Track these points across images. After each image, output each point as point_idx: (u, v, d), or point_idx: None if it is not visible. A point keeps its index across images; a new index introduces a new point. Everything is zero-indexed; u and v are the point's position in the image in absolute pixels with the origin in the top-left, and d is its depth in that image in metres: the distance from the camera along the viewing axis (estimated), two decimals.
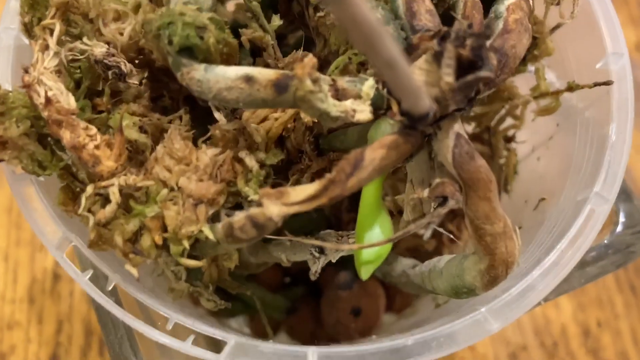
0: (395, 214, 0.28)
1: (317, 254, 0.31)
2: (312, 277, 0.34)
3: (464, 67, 0.21)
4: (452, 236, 0.36)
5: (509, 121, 0.38)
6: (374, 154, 0.22)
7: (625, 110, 0.29)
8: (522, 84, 0.36)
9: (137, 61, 0.30)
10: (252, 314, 0.41)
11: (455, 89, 0.21)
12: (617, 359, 0.62)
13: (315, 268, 0.33)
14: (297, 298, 0.43)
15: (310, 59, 0.22)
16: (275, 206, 0.22)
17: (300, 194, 0.22)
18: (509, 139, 0.38)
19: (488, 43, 0.21)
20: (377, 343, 0.25)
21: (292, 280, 0.46)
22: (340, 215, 0.39)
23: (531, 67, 0.34)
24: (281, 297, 0.42)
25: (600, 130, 0.30)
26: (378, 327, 0.42)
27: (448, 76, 0.21)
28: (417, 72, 0.22)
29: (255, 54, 0.29)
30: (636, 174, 0.70)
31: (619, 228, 0.34)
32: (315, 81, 0.22)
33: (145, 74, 0.30)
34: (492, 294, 0.26)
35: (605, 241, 0.34)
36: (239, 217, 0.23)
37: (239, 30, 0.27)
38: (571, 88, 0.32)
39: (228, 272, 0.35)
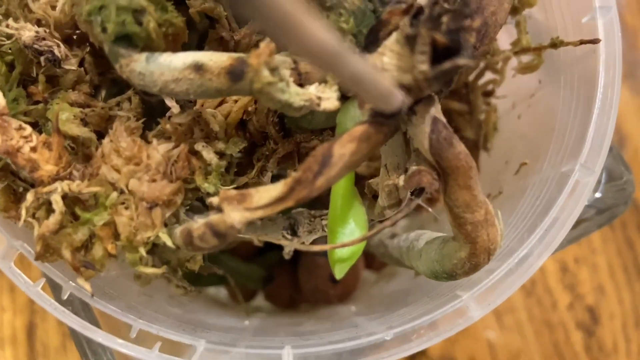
0: (370, 198, 0.26)
1: (288, 235, 0.30)
2: (286, 257, 0.32)
3: (439, 52, 0.18)
4: (429, 201, 0.35)
5: (488, 76, 0.35)
6: (344, 149, 0.20)
7: (612, 69, 0.27)
8: (503, 36, 0.33)
9: (74, 37, 0.26)
10: (226, 284, 0.40)
11: (430, 78, 0.18)
12: (593, 292, 0.63)
13: (289, 249, 0.31)
14: (273, 264, 0.42)
15: (266, 45, 0.19)
16: (237, 212, 0.20)
17: (264, 196, 0.20)
18: (488, 93, 0.36)
19: (467, 22, 0.18)
20: (355, 340, 0.23)
21: (266, 245, 0.45)
22: (312, 200, 0.37)
23: (512, 19, 0.31)
24: (256, 266, 0.40)
25: (586, 91, 0.27)
26: (357, 289, 0.41)
27: (422, 64, 0.18)
28: (388, 56, 0.20)
29: (208, 26, 0.26)
30: (625, 127, 0.69)
31: (600, 190, 0.33)
32: (273, 70, 0.19)
33: (87, 50, 0.26)
34: (474, 276, 0.25)
35: (587, 203, 0.33)
36: (198, 224, 0.21)
37: (187, 1, 0.24)
38: (555, 45, 0.29)
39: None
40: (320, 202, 0.36)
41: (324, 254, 0.40)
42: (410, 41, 0.19)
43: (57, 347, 0.58)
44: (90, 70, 0.26)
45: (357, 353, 0.23)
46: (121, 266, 0.33)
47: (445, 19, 0.19)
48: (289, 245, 0.29)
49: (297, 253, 0.43)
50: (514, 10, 0.31)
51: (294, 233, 0.30)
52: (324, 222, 0.29)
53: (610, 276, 0.64)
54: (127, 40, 0.20)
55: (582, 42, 0.28)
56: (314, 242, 0.30)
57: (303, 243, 0.29)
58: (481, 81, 0.35)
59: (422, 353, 0.59)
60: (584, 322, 0.62)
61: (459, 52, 0.18)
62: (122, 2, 0.19)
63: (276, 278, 0.41)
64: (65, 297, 0.23)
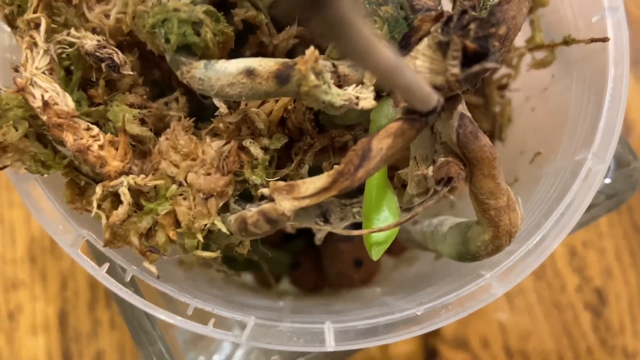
0: (399, 187, 0.28)
1: (321, 222, 0.32)
2: (317, 242, 0.35)
3: (469, 57, 0.21)
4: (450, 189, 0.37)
5: (503, 70, 0.37)
6: (381, 143, 0.23)
7: (620, 65, 0.29)
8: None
9: (125, 42, 0.29)
10: (257, 270, 0.43)
11: (461, 79, 0.21)
12: (601, 275, 0.65)
13: (320, 235, 0.34)
14: (299, 251, 0.44)
15: (312, 52, 0.21)
16: (286, 201, 0.23)
17: (310, 187, 0.23)
18: (503, 87, 0.38)
19: (493, 30, 0.21)
20: (389, 315, 0.26)
21: (293, 234, 0.47)
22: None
23: (527, 18, 0.34)
24: (284, 253, 0.43)
25: (596, 85, 0.30)
26: (379, 273, 0.43)
27: (454, 68, 0.20)
28: (421, 59, 0.22)
29: (249, 32, 0.28)
30: (630, 115, 0.71)
31: (610, 176, 0.35)
32: (318, 74, 0.22)
33: (136, 55, 0.29)
34: (495, 258, 0.28)
35: (608, 180, 0.35)
36: (252, 212, 0.23)
37: (232, 10, 0.26)
38: (567, 42, 0.31)
39: None
40: (349, 192, 0.38)
41: (347, 239, 0.43)
42: (442, 47, 0.21)
43: (89, 333, 0.61)
44: (136, 73, 0.29)
45: (392, 327, 0.26)
46: (170, 256, 0.36)
47: (473, 26, 0.21)
48: (328, 230, 0.31)
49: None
50: (529, 10, 0.33)
51: (326, 220, 0.32)
52: (354, 210, 0.31)
53: (617, 259, 0.66)
54: (187, 49, 0.22)
55: (592, 40, 0.30)
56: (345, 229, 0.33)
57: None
58: (496, 75, 0.37)
59: (436, 333, 0.61)
60: (591, 303, 0.64)
61: (487, 57, 0.21)
62: (183, 15, 0.22)
63: (302, 264, 0.44)
64: (128, 279, 0.26)
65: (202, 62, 0.23)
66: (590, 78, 0.31)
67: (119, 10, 0.27)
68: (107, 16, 0.28)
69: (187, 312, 0.26)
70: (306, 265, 0.44)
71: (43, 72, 0.24)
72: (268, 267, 0.40)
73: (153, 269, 0.24)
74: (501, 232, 0.25)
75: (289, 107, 0.27)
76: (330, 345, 0.26)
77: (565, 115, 0.31)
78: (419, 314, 0.26)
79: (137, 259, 0.27)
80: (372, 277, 0.43)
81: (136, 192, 0.25)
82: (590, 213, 0.35)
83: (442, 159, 0.25)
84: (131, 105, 0.26)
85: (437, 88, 0.22)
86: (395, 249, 0.46)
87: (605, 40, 0.29)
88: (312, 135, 0.28)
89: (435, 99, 0.20)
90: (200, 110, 0.29)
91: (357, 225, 0.28)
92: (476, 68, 0.20)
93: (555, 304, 0.65)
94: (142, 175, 0.24)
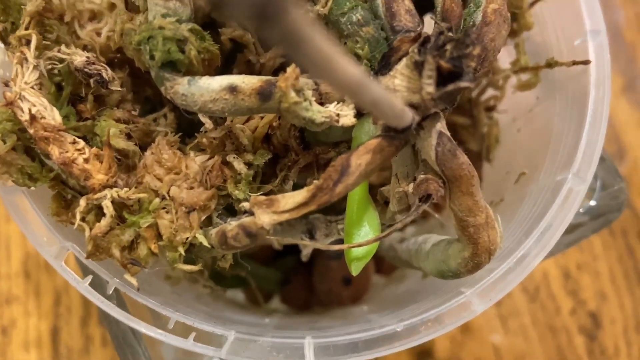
0: (382, 204, 0.29)
1: (307, 238, 0.32)
2: (304, 259, 0.35)
3: (444, 76, 0.21)
4: (435, 207, 0.38)
5: (490, 92, 0.38)
6: (360, 159, 0.23)
7: (601, 87, 0.30)
8: (503, 56, 0.36)
9: (116, 59, 0.29)
10: (247, 287, 0.43)
11: (436, 98, 0.21)
12: (595, 298, 0.65)
13: (306, 251, 0.34)
14: (289, 268, 0.45)
15: (293, 70, 0.22)
16: (266, 215, 0.23)
17: (290, 201, 0.23)
18: (490, 109, 0.39)
19: (468, 51, 0.21)
20: (369, 331, 0.26)
21: (283, 249, 0.48)
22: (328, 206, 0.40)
23: (512, 41, 0.34)
24: (274, 270, 0.43)
25: (578, 107, 0.30)
26: (368, 291, 0.44)
27: (429, 86, 0.21)
28: (399, 78, 0.23)
29: (237, 51, 0.29)
30: (615, 119, 0.72)
31: (595, 197, 0.36)
32: (298, 91, 0.22)
33: (127, 72, 0.29)
34: (476, 275, 0.28)
35: (581, 210, 0.35)
36: (232, 226, 0.23)
37: (219, 30, 0.27)
38: (550, 65, 0.32)
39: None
40: (334, 209, 0.38)
41: (337, 257, 0.43)
42: (418, 66, 0.21)
43: (80, 350, 0.61)
44: (127, 89, 0.29)
45: (371, 343, 0.26)
46: (152, 268, 0.36)
47: (449, 47, 0.22)
48: (311, 246, 0.32)
49: (311, 258, 0.46)
50: (513, 33, 0.34)
51: (312, 237, 0.32)
52: (339, 227, 0.32)
53: (611, 282, 0.66)
54: (171, 65, 0.23)
55: (574, 63, 0.30)
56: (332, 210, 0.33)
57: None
58: (484, 97, 0.38)
59: (430, 355, 0.61)
60: (586, 327, 0.64)
61: (461, 76, 0.21)
62: (168, 33, 0.22)
63: (292, 281, 0.44)
64: (110, 292, 0.26)
65: (186, 79, 0.23)
66: (572, 100, 0.31)
67: (110, 29, 0.28)
68: (99, 34, 0.28)
69: (168, 325, 0.26)
70: (296, 282, 0.44)
71: (32, 87, 0.24)
72: (257, 283, 0.40)
73: (134, 281, 0.24)
74: (480, 250, 0.26)
75: (274, 124, 0.27)
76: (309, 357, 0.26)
77: (549, 135, 0.32)
78: (398, 330, 0.26)
79: (121, 272, 0.27)
80: (361, 295, 0.43)
81: (120, 206, 0.25)
82: (576, 233, 0.35)
83: (421, 176, 0.25)
84: (118, 120, 0.26)
85: (414, 106, 0.23)
86: (386, 267, 0.47)
87: (586, 62, 0.30)
88: (297, 151, 0.28)
89: (409, 116, 0.21)
90: (189, 126, 0.30)
91: (342, 242, 0.29)
92: (450, 87, 0.21)
93: (550, 327, 0.65)
94: (126, 189, 0.24)
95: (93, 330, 0.62)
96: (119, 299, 0.27)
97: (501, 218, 0.27)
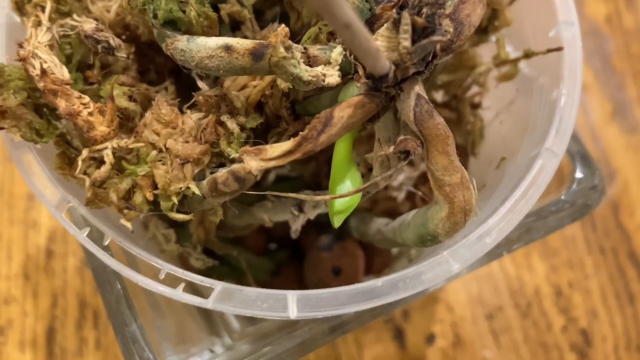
0: (366, 172, 0.30)
1: (296, 212, 0.34)
2: (293, 236, 0.36)
3: (419, 33, 0.23)
4: (424, 197, 0.39)
5: (474, 89, 0.40)
6: (342, 112, 0.25)
7: (574, 73, 0.32)
8: (486, 53, 0.38)
9: (124, 37, 0.32)
10: (238, 277, 0.44)
11: (412, 52, 0.23)
12: (587, 316, 0.66)
13: (296, 226, 0.35)
14: (281, 261, 0.46)
15: (283, 29, 0.24)
16: (254, 161, 0.25)
17: (277, 150, 0.25)
18: (475, 106, 0.41)
19: (441, 11, 0.23)
20: (351, 286, 0.27)
21: (276, 247, 0.49)
22: (320, 181, 0.42)
23: (492, 38, 0.37)
24: (266, 259, 0.44)
25: (552, 92, 0.32)
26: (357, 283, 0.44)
27: (405, 41, 0.23)
28: (380, 39, 0.25)
29: (235, 28, 0.31)
30: (605, 142, 0.74)
31: (575, 185, 0.37)
32: (287, 48, 0.25)
33: (133, 49, 0.32)
34: (453, 240, 0.29)
35: (563, 197, 0.37)
36: (222, 172, 0.25)
37: (218, 5, 0.30)
38: (527, 55, 0.34)
39: (215, 234, 0.37)
40: (321, 186, 0.40)
41: (328, 249, 0.44)
42: (396, 24, 0.24)
43: (74, 352, 0.61)
44: (131, 61, 0.32)
45: (352, 296, 0.27)
46: (147, 244, 0.37)
47: (424, 9, 0.24)
48: (300, 221, 0.33)
49: (303, 251, 0.47)
50: (494, 29, 0.36)
51: (301, 210, 0.34)
52: (325, 202, 0.33)
53: (602, 301, 0.67)
54: (172, 24, 0.25)
55: (548, 51, 0.33)
56: (318, 217, 0.35)
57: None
58: (468, 94, 0.40)
59: None
60: (577, 344, 0.64)
61: (434, 32, 0.23)
62: None
63: (283, 272, 0.45)
64: (106, 244, 0.28)
65: (185, 37, 0.25)
66: (548, 87, 0.33)
67: (119, 5, 0.31)
68: (108, 10, 0.31)
69: (159, 276, 0.28)
70: (287, 273, 0.45)
71: (44, 46, 0.27)
72: (250, 271, 0.41)
73: (129, 225, 0.26)
74: (456, 209, 0.27)
75: (267, 93, 0.29)
76: (293, 312, 0.27)
77: (526, 122, 0.34)
78: (378, 285, 0.27)
79: (116, 229, 0.29)
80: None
81: (118, 159, 0.27)
82: (556, 220, 0.37)
83: (401, 137, 0.27)
84: (122, 84, 0.29)
85: (394, 64, 0.25)
86: (378, 266, 0.48)
87: (559, 49, 0.32)
88: (287, 121, 0.30)
89: (387, 65, 0.23)
90: (187, 100, 0.32)
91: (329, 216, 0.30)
92: (424, 41, 0.23)
93: (541, 344, 0.65)
94: (126, 140, 0.26)
95: (88, 333, 0.63)
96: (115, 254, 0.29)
97: (482, 198, 0.29)
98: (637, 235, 0.69)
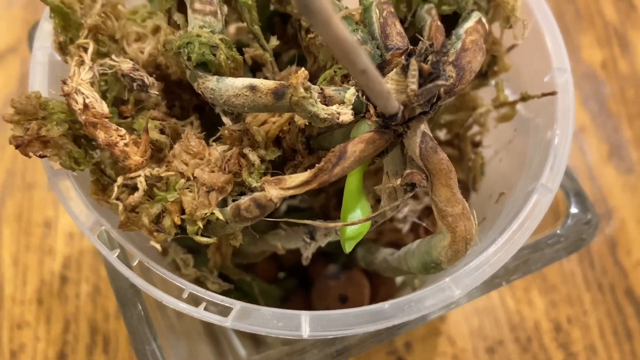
0: (374, 203, 0.33)
1: (308, 240, 0.36)
2: (305, 262, 0.39)
3: (425, 78, 0.26)
4: (428, 229, 0.42)
5: (475, 129, 0.43)
6: (355, 147, 0.28)
7: (567, 115, 0.34)
8: (486, 96, 0.41)
9: (154, 75, 0.35)
10: (250, 303, 0.46)
11: (418, 94, 0.26)
12: (585, 352, 0.67)
13: (307, 254, 0.38)
14: (290, 289, 0.48)
15: (303, 71, 0.27)
16: (274, 190, 0.27)
17: (295, 180, 0.28)
18: (477, 144, 0.44)
19: (445, 59, 0.26)
20: (360, 308, 0.29)
21: (286, 275, 0.51)
22: (329, 212, 0.44)
23: (492, 82, 0.40)
24: (276, 287, 0.46)
25: (547, 132, 0.35)
26: None
27: (413, 84, 0.26)
28: (390, 82, 0.28)
29: (256, 69, 0.34)
30: (602, 182, 0.76)
31: (570, 220, 0.40)
32: (306, 89, 0.27)
33: (162, 86, 0.35)
34: (455, 269, 0.31)
35: (558, 231, 0.39)
36: (244, 199, 0.28)
37: (243, 49, 0.33)
38: (524, 98, 0.37)
39: (230, 260, 0.40)
40: (329, 216, 0.43)
41: (335, 277, 0.47)
42: (404, 70, 0.26)
43: None
44: (161, 97, 0.34)
45: (361, 317, 0.29)
46: (166, 268, 0.40)
47: (430, 57, 0.27)
48: (311, 249, 0.36)
49: (311, 279, 0.49)
50: (494, 74, 0.39)
51: (312, 238, 0.36)
52: (338, 230, 0.36)
53: (600, 337, 0.68)
54: (204, 66, 0.28)
55: (543, 95, 0.35)
56: (327, 246, 0.37)
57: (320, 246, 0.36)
58: (470, 133, 0.43)
59: None
60: None
61: (439, 77, 0.26)
62: (203, 40, 0.28)
63: (291, 300, 0.47)
64: (134, 264, 0.30)
65: (215, 77, 0.28)
66: (543, 127, 0.36)
67: (152, 47, 0.34)
68: (142, 52, 0.34)
69: (182, 295, 0.30)
70: (295, 301, 0.47)
71: (86, 83, 0.30)
72: (260, 297, 0.43)
73: (158, 246, 0.28)
74: (458, 238, 0.30)
75: (285, 129, 0.32)
76: (306, 332, 0.29)
77: (523, 159, 0.37)
78: (385, 307, 0.29)
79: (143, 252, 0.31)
80: None
81: (150, 186, 0.29)
82: (552, 252, 0.39)
83: (407, 170, 0.29)
84: (154, 118, 0.31)
85: (402, 105, 0.27)
86: (382, 295, 0.50)
87: (553, 93, 0.35)
88: (302, 154, 0.33)
89: (396, 105, 0.26)
90: (211, 133, 0.35)
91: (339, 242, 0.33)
92: (429, 85, 0.26)
93: None
94: (157, 168, 0.29)
95: (98, 358, 0.64)
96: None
97: (482, 230, 0.31)
98: (635, 273, 0.71)
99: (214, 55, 0.28)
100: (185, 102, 0.36)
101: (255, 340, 0.53)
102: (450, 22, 0.34)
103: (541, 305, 0.69)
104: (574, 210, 0.40)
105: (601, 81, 0.81)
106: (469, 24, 0.33)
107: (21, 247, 0.69)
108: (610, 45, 0.83)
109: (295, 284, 0.49)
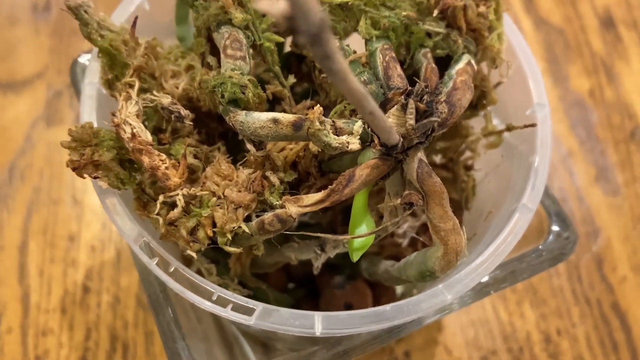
0: (377, 219, 0.38)
1: (319, 252, 0.41)
2: (315, 272, 0.43)
3: (421, 114, 0.31)
4: (425, 243, 0.47)
5: (467, 154, 0.48)
6: (362, 171, 0.33)
7: (545, 144, 0.40)
8: (476, 125, 0.47)
9: (186, 108, 0.40)
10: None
11: (415, 128, 0.31)
12: None
13: (317, 264, 0.43)
14: (299, 298, 0.53)
15: (318, 108, 0.32)
16: (294, 207, 0.32)
17: (311, 199, 0.33)
18: (469, 168, 0.49)
19: (438, 98, 0.32)
20: (365, 310, 0.34)
21: (295, 286, 0.56)
22: (335, 228, 0.49)
23: (482, 113, 0.45)
24: (287, 295, 0.51)
25: (529, 158, 0.40)
26: None
27: (410, 120, 0.31)
28: (391, 117, 0.33)
29: (275, 102, 0.39)
30: (589, 203, 0.81)
31: (552, 237, 0.45)
32: (321, 122, 0.33)
33: (193, 117, 0.40)
34: (448, 277, 0.36)
35: (541, 246, 0.44)
36: (268, 215, 0.33)
37: (265, 86, 0.38)
38: (509, 128, 0.42)
39: (248, 270, 0.45)
40: (336, 232, 0.47)
41: (341, 287, 0.51)
42: (404, 107, 0.32)
43: None
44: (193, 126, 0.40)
45: (366, 318, 0.34)
46: None
47: (425, 96, 0.32)
48: (322, 259, 0.41)
49: (319, 289, 0.54)
50: (482, 107, 0.45)
51: (323, 250, 0.41)
52: (345, 243, 0.41)
53: (588, 348, 0.73)
54: (234, 102, 0.34)
55: (525, 126, 0.41)
56: (333, 258, 0.42)
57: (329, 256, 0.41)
58: (462, 157, 0.48)
59: None
60: None
61: (432, 114, 0.31)
62: (235, 80, 0.33)
63: (300, 307, 0.52)
64: (171, 271, 0.35)
65: (244, 112, 0.34)
66: (525, 154, 0.41)
67: (185, 83, 0.39)
68: (177, 87, 0.39)
69: (212, 298, 0.35)
70: (305, 308, 0.51)
71: (133, 116, 0.35)
72: (274, 305, 0.48)
73: (194, 254, 0.33)
74: (449, 250, 0.35)
75: (300, 154, 0.37)
76: (318, 329, 0.34)
77: (509, 182, 0.42)
78: (387, 309, 0.34)
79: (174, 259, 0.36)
80: None
81: (186, 203, 0.35)
82: (535, 265, 0.44)
83: (406, 192, 0.34)
84: (189, 145, 0.37)
85: (401, 136, 0.33)
86: (385, 303, 0.54)
87: (533, 125, 0.40)
88: (316, 177, 0.38)
89: (397, 138, 0.31)
90: (235, 158, 0.40)
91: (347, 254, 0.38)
92: (424, 121, 0.31)
93: None
94: (193, 188, 0.34)
95: None
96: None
97: (473, 243, 0.36)
98: (620, 288, 0.75)
99: (243, 93, 0.33)
100: (212, 130, 0.41)
101: (265, 347, 0.58)
102: (444, 63, 0.39)
103: (532, 317, 0.74)
104: (555, 228, 0.45)
105: (589, 108, 0.87)
106: (460, 65, 0.38)
107: (46, 259, 0.74)
108: (597, 74, 0.89)
109: (304, 294, 0.54)
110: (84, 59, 0.47)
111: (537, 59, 0.87)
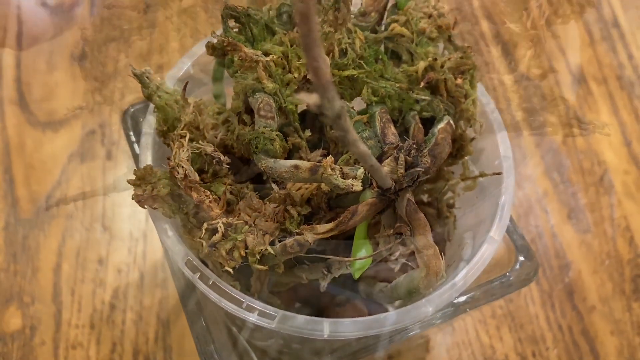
0: (374, 246, 0.47)
1: (325, 272, 0.51)
2: (322, 289, 0.53)
3: (409, 165, 0.41)
4: (413, 267, 0.56)
5: (449, 194, 0.58)
6: (363, 208, 0.42)
7: (508, 190, 0.50)
8: (456, 171, 0.57)
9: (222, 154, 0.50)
10: None
11: (404, 176, 0.41)
12: None
13: (324, 283, 0.52)
14: (306, 314, 0.62)
15: (330, 158, 0.42)
16: (310, 234, 0.42)
17: (324, 228, 0.42)
18: (450, 206, 0.59)
19: (423, 152, 0.41)
20: (363, 318, 0.44)
21: (301, 305, 0.65)
22: (338, 254, 0.58)
23: (460, 162, 0.55)
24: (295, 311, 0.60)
25: (497, 200, 0.50)
26: None
27: (401, 169, 0.41)
28: (386, 166, 0.43)
29: (294, 151, 0.49)
30: (562, 239, 0.90)
31: (518, 265, 0.54)
32: (332, 169, 0.42)
33: (228, 160, 0.50)
34: (430, 294, 0.46)
35: (508, 273, 0.54)
36: (289, 240, 0.42)
37: (287, 138, 0.48)
38: (481, 175, 0.52)
39: (266, 287, 0.54)
40: (339, 256, 0.57)
41: (342, 305, 0.61)
42: (396, 159, 0.42)
43: None
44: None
45: (367, 322, 0.43)
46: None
47: (412, 151, 0.42)
48: (328, 279, 0.50)
49: (323, 308, 0.63)
50: (461, 156, 0.55)
51: (329, 271, 0.51)
52: (348, 264, 0.50)
53: None
54: (265, 152, 0.43)
55: (493, 174, 0.51)
56: (337, 281, 0.51)
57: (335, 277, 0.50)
58: (445, 197, 0.58)
59: None
60: None
61: (418, 166, 0.41)
62: (266, 135, 0.43)
63: None
64: (210, 283, 0.44)
65: (272, 159, 0.43)
66: (495, 195, 0.51)
67: (222, 134, 0.49)
68: (216, 137, 0.49)
69: (242, 305, 0.44)
70: None
71: (185, 160, 0.45)
72: None
73: (231, 270, 0.43)
74: (431, 272, 0.44)
75: (314, 193, 0.47)
76: (327, 332, 0.43)
77: (481, 217, 0.51)
78: (382, 317, 0.43)
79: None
80: None
81: (225, 230, 0.44)
82: (503, 288, 0.53)
83: (397, 224, 0.44)
84: (225, 184, 0.46)
85: (394, 181, 0.42)
86: None
87: (499, 174, 0.50)
88: (325, 211, 0.47)
89: (390, 182, 0.41)
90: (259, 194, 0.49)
91: (351, 275, 0.47)
92: (412, 170, 0.41)
93: None
94: (231, 218, 0.43)
95: None
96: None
97: (452, 268, 0.46)
98: (589, 316, 0.84)
99: (272, 145, 0.43)
100: (241, 171, 0.51)
101: (271, 359, 0.67)
102: (429, 122, 0.49)
103: (510, 341, 0.82)
104: (520, 258, 0.54)
105: (562, 155, 0.97)
106: (441, 125, 0.48)
107: (77, 279, 0.82)
108: (570, 124, 0.99)
109: (308, 312, 0.63)
110: (132, 109, 0.57)
111: (517, 109, 0.97)
